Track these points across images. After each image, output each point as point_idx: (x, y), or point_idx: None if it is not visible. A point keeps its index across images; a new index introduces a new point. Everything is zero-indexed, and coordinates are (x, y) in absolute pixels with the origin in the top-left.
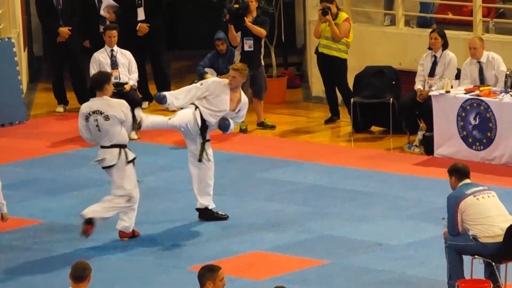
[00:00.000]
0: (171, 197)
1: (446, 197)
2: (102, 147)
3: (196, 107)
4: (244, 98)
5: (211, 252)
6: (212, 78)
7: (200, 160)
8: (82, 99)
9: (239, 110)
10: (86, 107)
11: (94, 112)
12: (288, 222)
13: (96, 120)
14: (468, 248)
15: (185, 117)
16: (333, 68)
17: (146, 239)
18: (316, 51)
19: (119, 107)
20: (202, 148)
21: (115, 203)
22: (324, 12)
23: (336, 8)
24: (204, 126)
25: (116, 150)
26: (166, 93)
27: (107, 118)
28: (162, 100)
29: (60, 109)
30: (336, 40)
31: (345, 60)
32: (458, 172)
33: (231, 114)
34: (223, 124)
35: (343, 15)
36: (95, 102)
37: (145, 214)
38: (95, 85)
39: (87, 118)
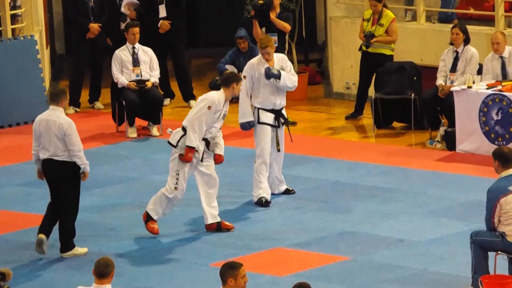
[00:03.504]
0: (191, 195)
1: (467, 193)
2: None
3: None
4: (278, 57)
5: (233, 248)
6: (246, 65)
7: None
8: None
9: (282, 67)
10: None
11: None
12: (309, 219)
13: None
14: (494, 245)
15: (267, 144)
16: (380, 64)
17: (167, 235)
18: (361, 49)
19: None
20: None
21: None
22: (367, 43)
23: (381, 6)
24: (276, 112)
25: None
26: (246, 120)
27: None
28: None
29: (71, 111)
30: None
31: (391, 56)
32: (503, 158)
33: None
34: (266, 73)
35: (389, 15)
36: None
37: None
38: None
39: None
